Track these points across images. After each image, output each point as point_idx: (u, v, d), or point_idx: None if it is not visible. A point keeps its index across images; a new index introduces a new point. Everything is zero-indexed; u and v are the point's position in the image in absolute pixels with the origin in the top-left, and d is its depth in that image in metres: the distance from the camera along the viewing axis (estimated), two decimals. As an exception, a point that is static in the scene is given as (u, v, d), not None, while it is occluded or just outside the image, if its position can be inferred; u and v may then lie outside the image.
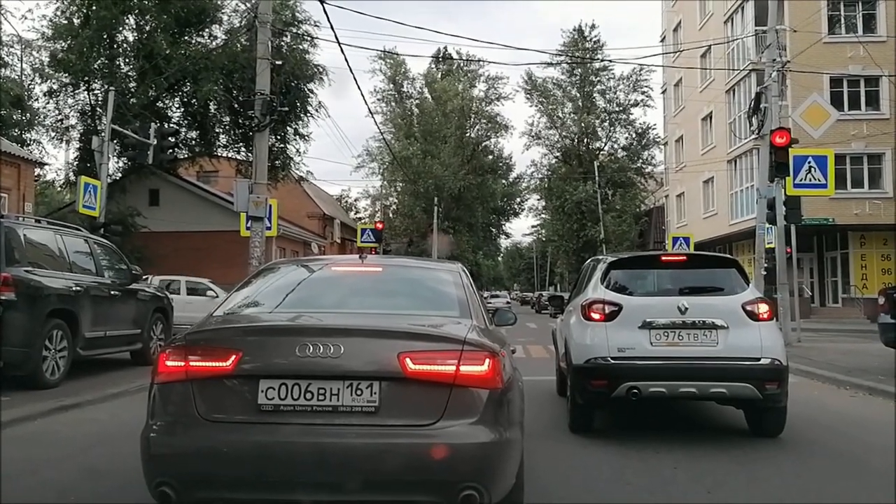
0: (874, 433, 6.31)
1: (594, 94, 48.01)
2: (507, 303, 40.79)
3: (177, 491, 3.00)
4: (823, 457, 5.47)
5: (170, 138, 16.65)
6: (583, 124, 46.99)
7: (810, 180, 13.77)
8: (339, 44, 17.00)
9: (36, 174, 22.09)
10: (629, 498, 4.37)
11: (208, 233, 23.79)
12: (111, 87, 17.14)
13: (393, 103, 53.65)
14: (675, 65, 35.33)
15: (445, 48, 51.02)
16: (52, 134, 24.45)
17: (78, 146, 24.31)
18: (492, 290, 67.64)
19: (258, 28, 12.55)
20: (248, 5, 19.43)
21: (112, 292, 9.49)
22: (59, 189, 28.50)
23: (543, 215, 56.79)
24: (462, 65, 52.26)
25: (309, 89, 24.22)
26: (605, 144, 49.20)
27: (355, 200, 60.07)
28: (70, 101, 23.91)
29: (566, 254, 49.11)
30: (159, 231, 22.64)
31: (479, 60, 51.60)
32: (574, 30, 47.45)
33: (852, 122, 25.09)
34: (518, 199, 58.85)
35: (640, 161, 48.01)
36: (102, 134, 15.41)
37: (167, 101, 25.16)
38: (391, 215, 51.68)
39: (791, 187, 13.86)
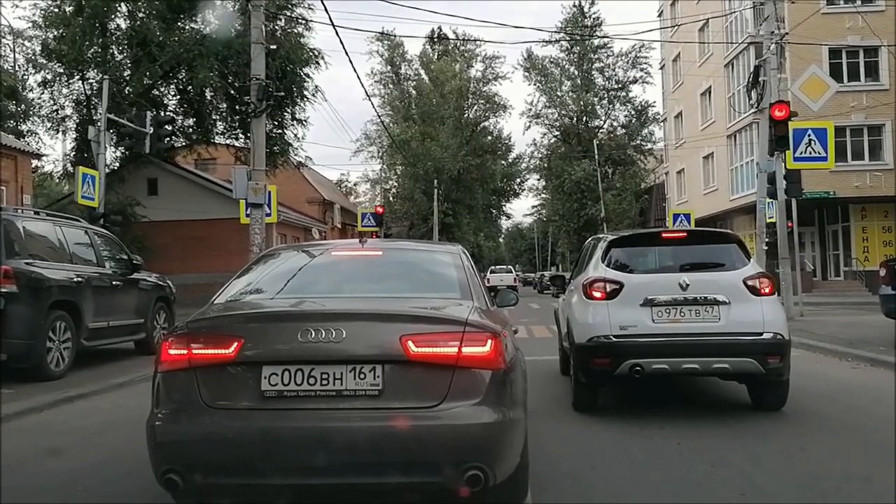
0: (876, 403, 6.35)
1: (593, 72, 47.70)
2: (515, 280, 39.39)
3: (183, 477, 3.02)
4: (826, 429, 5.49)
5: (166, 126, 16.58)
6: (582, 102, 46.70)
7: (810, 153, 13.72)
8: (333, 26, 16.88)
9: (33, 166, 21.95)
10: (633, 474, 4.40)
11: (208, 221, 23.72)
12: (105, 76, 16.97)
13: (391, 85, 53.21)
14: (673, 40, 35.03)
15: (440, 28, 50.65)
16: (48, 125, 24.17)
17: (74, 136, 24.13)
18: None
19: (251, 12, 12.45)
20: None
21: (114, 282, 9.51)
22: (57, 180, 28.31)
23: (544, 195, 56.64)
24: (458, 45, 51.83)
25: (305, 73, 24.03)
26: (605, 122, 49.04)
27: (355, 185, 59.96)
28: (65, 90, 23.69)
29: (567, 233, 49.03)
30: (159, 220, 22.58)
31: (476, 40, 51.03)
32: (574, 6, 47.08)
33: (852, 94, 24.92)
34: (518, 180, 58.62)
35: (640, 138, 47.81)
36: (98, 124, 15.31)
37: (162, 89, 24.92)
38: (391, 199, 51.49)
39: (791, 161, 13.81)
